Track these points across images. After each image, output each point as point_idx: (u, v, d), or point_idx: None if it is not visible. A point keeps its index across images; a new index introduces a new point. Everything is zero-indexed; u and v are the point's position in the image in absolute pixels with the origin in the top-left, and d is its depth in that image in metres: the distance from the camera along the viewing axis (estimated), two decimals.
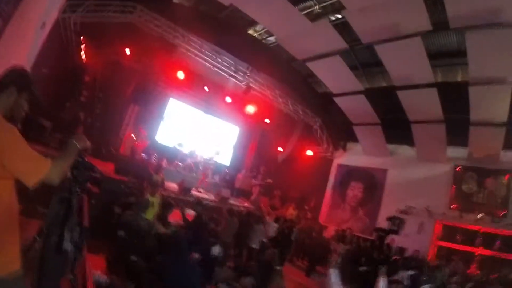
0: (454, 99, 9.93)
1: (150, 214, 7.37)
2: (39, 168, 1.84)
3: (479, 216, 10.35)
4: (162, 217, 8.06)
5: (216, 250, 6.17)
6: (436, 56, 9.36)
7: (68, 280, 2.42)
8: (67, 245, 2.35)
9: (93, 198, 6.30)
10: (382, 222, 12.04)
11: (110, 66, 12.47)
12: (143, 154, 13.02)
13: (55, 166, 1.89)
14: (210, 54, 11.94)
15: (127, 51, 12.08)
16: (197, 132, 15.54)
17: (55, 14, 8.42)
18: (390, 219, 11.71)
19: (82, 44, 11.34)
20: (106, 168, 10.73)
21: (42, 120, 8.44)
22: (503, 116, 9.40)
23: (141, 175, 10.56)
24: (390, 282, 7.63)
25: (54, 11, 8.24)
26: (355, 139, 14.17)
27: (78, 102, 11.67)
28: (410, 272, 7.97)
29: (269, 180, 15.98)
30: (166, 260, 4.67)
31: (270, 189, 16.20)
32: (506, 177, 10.44)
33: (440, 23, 8.03)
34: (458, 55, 9.09)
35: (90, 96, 12.03)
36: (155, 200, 8.10)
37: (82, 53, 11.59)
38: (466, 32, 7.70)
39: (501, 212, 10.24)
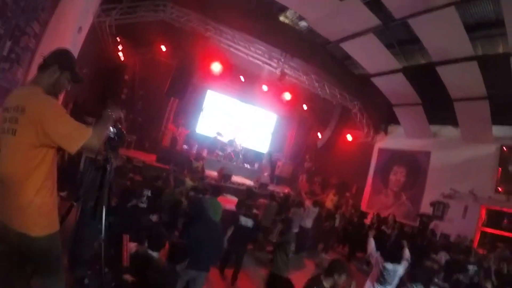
0: (497, 73, 9.09)
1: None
2: (81, 134, 2.02)
3: None
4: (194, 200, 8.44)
5: (248, 222, 6.29)
6: (473, 28, 8.61)
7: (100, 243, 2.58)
8: (102, 211, 2.52)
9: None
10: (425, 207, 11.55)
11: (147, 63, 13.14)
12: (184, 145, 13.55)
13: (95, 133, 2.07)
14: (243, 44, 12.02)
15: (163, 48, 12.63)
16: (235, 121, 15.81)
17: (90, 19, 9.03)
18: (434, 204, 11.27)
19: (119, 45, 11.99)
20: (148, 158, 11.41)
21: (86, 118, 9.06)
22: None
23: (182, 163, 11.08)
24: (428, 261, 7.37)
25: (89, 16, 8.85)
26: (396, 121, 13.52)
27: (119, 100, 12.37)
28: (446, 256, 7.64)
29: (308, 164, 15.93)
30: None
31: (311, 175, 16.12)
32: None
33: None
34: (496, 25, 8.27)
35: (130, 93, 12.70)
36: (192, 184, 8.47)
37: (120, 53, 12.28)
38: None
39: None
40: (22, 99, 2.03)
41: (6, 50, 4.80)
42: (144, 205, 5.37)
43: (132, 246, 3.92)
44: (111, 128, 2.43)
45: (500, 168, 10.40)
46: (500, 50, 8.94)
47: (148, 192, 5.55)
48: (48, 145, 2.00)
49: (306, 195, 13.75)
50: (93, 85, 11.46)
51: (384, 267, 4.79)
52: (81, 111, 9.78)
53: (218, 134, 14.67)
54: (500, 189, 10.19)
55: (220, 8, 11.21)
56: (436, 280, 6.52)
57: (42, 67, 2.17)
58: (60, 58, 2.23)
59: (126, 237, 3.80)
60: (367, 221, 11.69)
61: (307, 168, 16.66)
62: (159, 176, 7.99)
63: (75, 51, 8.50)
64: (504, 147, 10.44)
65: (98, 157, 2.69)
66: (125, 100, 12.58)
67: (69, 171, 7.29)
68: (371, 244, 5.22)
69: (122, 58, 12.48)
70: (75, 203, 2.90)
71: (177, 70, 11.78)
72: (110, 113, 2.29)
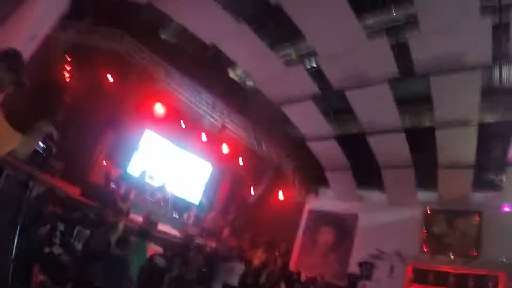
0: (422, 143, 10.31)
1: (111, 241, 7.22)
2: (10, 138, 2.02)
3: (451, 256, 10.44)
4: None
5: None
6: (403, 102, 9.80)
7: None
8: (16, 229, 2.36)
9: None
10: (353, 267, 11.92)
11: (91, 90, 12.45)
12: (112, 183, 12.66)
13: (24, 141, 2.09)
14: (190, 91, 12.21)
15: (110, 78, 12.18)
16: (169, 166, 15.31)
17: (46, 29, 8.49)
18: (361, 264, 11.71)
19: (67, 65, 11.50)
20: (73, 190, 10.42)
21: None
22: (470, 158, 9.75)
23: (106, 201, 10.29)
24: None
25: (46, 25, 8.34)
26: (327, 184, 14.27)
27: (54, 120, 11.41)
28: None
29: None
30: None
31: (239, 231, 15.87)
32: (477, 217, 10.70)
33: (406, 70, 8.51)
34: (425, 100, 9.48)
35: (67, 117, 11.80)
36: (119, 227, 7.86)
37: (66, 73, 11.73)
38: (430, 77, 8.15)
39: (473, 252, 10.38)
40: None
41: None
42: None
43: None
44: (40, 142, 2.40)
45: (425, 229, 11.39)
46: (427, 123, 10.14)
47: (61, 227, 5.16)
48: None
49: (234, 251, 13.43)
50: (30, 99, 10.48)
51: None
52: (13, 125, 8.74)
53: (150, 177, 13.99)
54: (425, 248, 11.05)
55: (175, 52, 11.38)
56: None
57: None
58: (10, 58, 2.16)
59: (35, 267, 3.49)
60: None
61: (231, 220, 16.43)
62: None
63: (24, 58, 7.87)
64: (428, 210, 11.56)
65: (19, 174, 2.55)
66: (60, 122, 11.58)
67: None
68: None
69: (68, 79, 11.85)
70: None
71: (120, 103, 11.38)
72: (41, 126, 2.28)
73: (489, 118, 9.22)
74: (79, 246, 5.66)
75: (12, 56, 2.17)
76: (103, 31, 10.29)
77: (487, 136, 9.48)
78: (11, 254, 2.32)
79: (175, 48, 11.57)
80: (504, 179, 10.33)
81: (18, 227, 2.32)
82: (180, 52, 11.52)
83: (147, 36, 10.90)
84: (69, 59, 11.42)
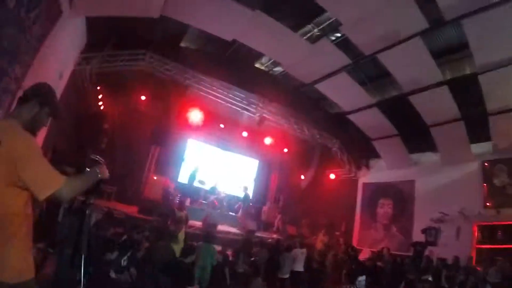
0: (467, 93, 9.71)
1: (176, 250, 7.57)
2: (52, 182, 1.86)
3: None
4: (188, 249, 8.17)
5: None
6: (440, 55, 9.32)
7: None
8: (81, 259, 2.29)
9: None
10: (417, 236, 11.51)
11: (127, 112, 13.07)
12: (169, 196, 13.19)
13: (69, 184, 1.92)
14: (221, 91, 12.35)
15: (143, 97, 12.69)
16: (217, 169, 15.70)
17: (71, 66, 9.10)
18: (425, 230, 11.27)
19: (99, 94, 11.96)
20: (130, 210, 11.03)
21: (65, 167, 8.73)
22: None
23: (165, 213, 10.73)
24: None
25: (70, 62, 8.92)
26: (377, 155, 13.94)
27: (99, 149, 12.12)
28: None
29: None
30: None
31: (297, 218, 15.91)
32: None
33: (436, 20, 8.09)
34: (461, 48, 9.02)
35: (110, 142, 12.46)
36: (180, 236, 8.19)
37: (100, 102, 12.21)
38: (462, 21, 7.68)
39: None
40: None
41: None
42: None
43: None
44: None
45: (485, 184, 10.71)
46: (468, 71, 9.60)
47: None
48: (20, 187, 1.84)
49: (295, 239, 13.48)
50: (72, 134, 11.23)
51: None
52: (61, 160, 9.43)
53: (200, 182, 14.44)
54: (488, 204, 10.41)
55: (197, 57, 11.68)
56: None
57: (22, 101, 2.08)
58: (40, 92, 2.15)
59: None
60: (361, 257, 11.48)
61: (283, 209, 16.49)
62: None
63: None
64: (485, 163, 10.85)
65: (75, 202, 2.49)
66: (104, 149, 12.29)
67: (47, 221, 6.84)
68: None
69: (102, 107, 12.39)
70: (51, 250, 2.68)
71: (158, 120, 11.82)
72: (97, 172, 2.21)
73: None
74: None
75: (41, 89, 2.17)
76: (124, 54, 10.59)
77: None
78: (80, 285, 2.28)
79: (198, 53, 11.92)
80: None
81: (83, 256, 2.30)
82: (203, 56, 11.83)
83: (168, 48, 11.19)
84: (99, 89, 11.87)
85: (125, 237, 6.65)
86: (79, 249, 2.26)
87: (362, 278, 8.57)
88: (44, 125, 2.18)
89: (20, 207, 1.86)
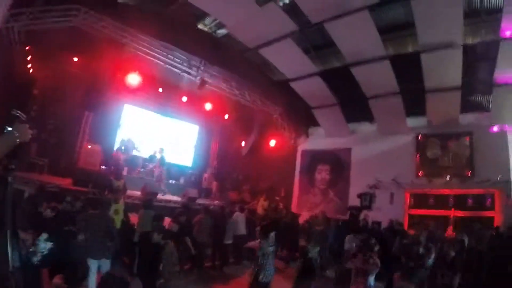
0: (408, 70, 10.15)
1: (117, 220, 7.14)
2: None
3: (447, 177, 10.68)
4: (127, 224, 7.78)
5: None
6: (385, 31, 9.47)
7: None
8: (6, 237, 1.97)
9: None
10: (353, 200, 12.16)
11: (59, 76, 11.72)
12: (103, 165, 12.36)
13: None
14: (161, 52, 11.50)
15: (75, 59, 11.57)
16: (155, 135, 14.97)
17: None
18: (361, 195, 11.93)
19: (28, 55, 10.60)
20: (64, 182, 10.18)
21: None
22: (457, 80, 9.69)
23: (102, 184, 10.08)
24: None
25: None
26: (316, 123, 14.23)
27: (28, 117, 10.82)
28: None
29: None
30: None
31: (238, 183, 15.99)
32: (467, 138, 10.86)
33: None
34: (406, 27, 9.26)
35: (40, 110, 11.19)
36: (119, 207, 7.73)
37: (29, 65, 10.82)
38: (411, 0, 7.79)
39: (467, 173, 10.68)
40: None
41: None
42: None
43: None
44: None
45: (418, 154, 11.57)
46: (410, 49, 9.88)
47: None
48: None
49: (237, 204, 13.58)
50: None
51: None
52: None
53: (136, 150, 13.70)
54: (421, 173, 11.32)
55: (136, 14, 10.55)
56: None
57: None
58: None
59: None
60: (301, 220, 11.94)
61: (221, 174, 16.55)
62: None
63: None
64: (419, 136, 11.66)
65: None
66: (34, 117, 11.00)
67: None
68: None
69: (31, 70, 10.95)
70: None
71: (91, 83, 10.76)
72: (14, 133, 1.87)
73: (473, 40, 9.10)
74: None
75: None
76: (56, 10, 9.33)
77: (473, 58, 9.39)
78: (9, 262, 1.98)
79: (137, 10, 10.75)
80: (491, 99, 10.36)
81: (8, 232, 1.96)
82: (143, 14, 10.67)
83: (104, 4, 10.01)
84: (28, 49, 10.51)
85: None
86: (3, 224, 1.97)
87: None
88: None
89: None
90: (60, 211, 6.62)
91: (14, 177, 2.03)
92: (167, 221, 7.85)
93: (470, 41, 9.08)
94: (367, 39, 9.46)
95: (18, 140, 1.87)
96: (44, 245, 4.08)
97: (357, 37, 9.49)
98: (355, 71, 10.71)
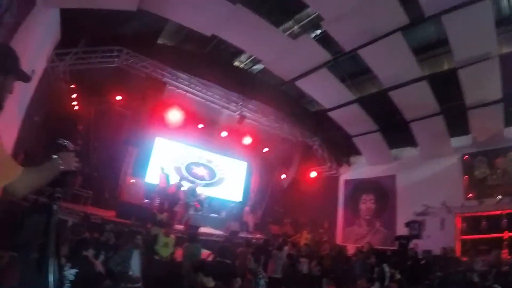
0: (446, 88, 9.91)
1: (165, 253, 7.69)
2: (7, 171, 1.61)
3: (497, 197, 9.97)
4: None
5: None
6: (419, 51, 9.47)
7: None
8: (49, 263, 1.96)
9: None
10: (402, 229, 11.65)
11: (103, 113, 12.56)
12: (145, 199, 12.78)
13: (25, 176, 1.66)
14: (200, 89, 12.06)
15: (118, 97, 12.23)
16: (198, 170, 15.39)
17: (44, 63, 8.60)
18: (409, 224, 11.41)
19: (73, 93, 11.40)
20: (108, 214, 10.60)
21: None
22: (497, 93, 9.29)
23: (145, 216, 10.37)
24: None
25: (43, 59, 8.44)
26: (357, 152, 14.03)
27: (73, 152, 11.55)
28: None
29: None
30: None
31: (279, 216, 15.85)
32: None
33: (416, 15, 8.14)
34: (440, 45, 9.21)
35: (84, 145, 11.92)
36: (169, 240, 7.93)
37: (74, 102, 11.63)
38: (442, 17, 7.78)
39: None
40: None
41: None
42: None
43: None
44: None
45: (466, 176, 10.97)
46: (446, 66, 9.76)
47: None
48: None
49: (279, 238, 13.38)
50: (44, 136, 10.66)
51: None
52: (33, 164, 8.89)
53: (180, 185, 14.02)
54: (471, 195, 10.66)
55: (175, 54, 11.34)
56: None
57: None
58: (3, 58, 1.80)
59: None
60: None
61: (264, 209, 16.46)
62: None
63: (27, 96, 7.96)
64: (465, 156, 11.12)
65: (40, 198, 2.15)
66: (79, 152, 11.72)
67: (7, 221, 6.25)
68: None
69: (76, 107, 11.78)
70: (15, 254, 2.40)
71: (134, 119, 11.40)
72: (59, 163, 1.85)
73: (508, 49, 8.83)
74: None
75: (4, 55, 1.82)
76: (99, 51, 10.18)
77: (511, 68, 8.92)
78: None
79: (175, 50, 11.54)
80: None
81: (52, 259, 1.96)
82: (181, 53, 11.48)
83: (144, 45, 10.77)
84: (73, 87, 11.31)
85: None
86: (46, 252, 1.95)
87: None
88: (10, 93, 1.83)
89: None
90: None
91: (58, 206, 2.06)
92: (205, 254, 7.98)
93: (505, 50, 8.78)
94: (402, 62, 9.43)
95: (62, 168, 1.86)
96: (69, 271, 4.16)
97: (392, 61, 9.49)
98: (393, 95, 10.60)
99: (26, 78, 1.90)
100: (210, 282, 4.51)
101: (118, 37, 10.23)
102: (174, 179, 13.61)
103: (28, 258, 3.13)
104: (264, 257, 8.79)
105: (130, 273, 5.30)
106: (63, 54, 9.64)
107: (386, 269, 5.90)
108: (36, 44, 7.23)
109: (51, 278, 1.91)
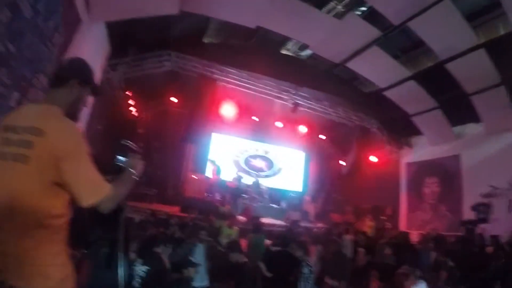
0: (505, 55, 8.98)
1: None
2: (99, 189, 1.62)
3: None
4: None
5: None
6: (471, 18, 8.65)
7: None
8: (118, 258, 2.10)
9: None
10: (468, 213, 10.85)
11: (160, 115, 13.49)
12: (206, 193, 13.40)
13: (114, 192, 1.67)
14: (251, 81, 12.29)
15: (173, 99, 12.97)
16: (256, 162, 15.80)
17: (98, 74, 9.26)
18: (476, 207, 10.56)
19: (130, 100, 12.30)
20: (172, 210, 11.28)
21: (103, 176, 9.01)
22: None
23: (207, 209, 10.87)
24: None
25: (97, 71, 9.08)
26: (418, 132, 13.29)
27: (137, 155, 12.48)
28: None
29: None
30: None
31: (340, 204, 15.63)
32: None
33: None
34: (492, 9, 8.37)
35: (146, 147, 12.70)
36: (233, 232, 8.27)
37: (132, 108, 12.58)
38: None
39: None
40: (37, 119, 1.58)
41: (13, 101, 4.48)
42: None
43: None
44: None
45: None
46: (502, 31, 8.91)
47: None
48: (60, 185, 1.56)
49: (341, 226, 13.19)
50: (106, 143, 11.65)
51: None
52: (101, 169, 9.77)
53: (239, 177, 14.47)
54: None
55: (222, 50, 11.69)
56: None
57: (57, 82, 1.76)
58: (80, 70, 1.85)
59: None
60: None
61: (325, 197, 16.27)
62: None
63: (87, 109, 8.84)
64: None
65: None
66: (141, 154, 12.65)
67: (77, 219, 6.79)
68: None
69: (135, 113, 12.72)
70: (86, 251, 2.54)
71: (191, 118, 11.96)
72: (133, 173, 1.90)
73: None
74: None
75: (80, 67, 1.90)
76: (150, 57, 10.81)
77: None
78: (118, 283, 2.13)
79: (222, 46, 11.86)
80: None
81: (121, 255, 2.13)
82: (228, 49, 11.78)
83: (191, 46, 11.19)
84: (129, 94, 12.09)
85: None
86: (115, 248, 2.09)
87: None
88: (85, 106, 1.94)
89: (59, 209, 1.59)
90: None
91: (126, 205, 2.17)
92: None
93: None
94: (456, 30, 8.74)
95: (136, 176, 1.90)
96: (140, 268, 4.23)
97: (444, 30, 8.82)
98: (451, 67, 9.85)
99: (98, 90, 2.03)
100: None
101: (165, 41, 10.77)
102: (226, 171, 14.20)
103: (98, 254, 3.47)
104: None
105: (192, 259, 5.46)
106: (116, 64, 10.31)
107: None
108: (88, 59, 7.79)
109: (120, 272, 2.08)
